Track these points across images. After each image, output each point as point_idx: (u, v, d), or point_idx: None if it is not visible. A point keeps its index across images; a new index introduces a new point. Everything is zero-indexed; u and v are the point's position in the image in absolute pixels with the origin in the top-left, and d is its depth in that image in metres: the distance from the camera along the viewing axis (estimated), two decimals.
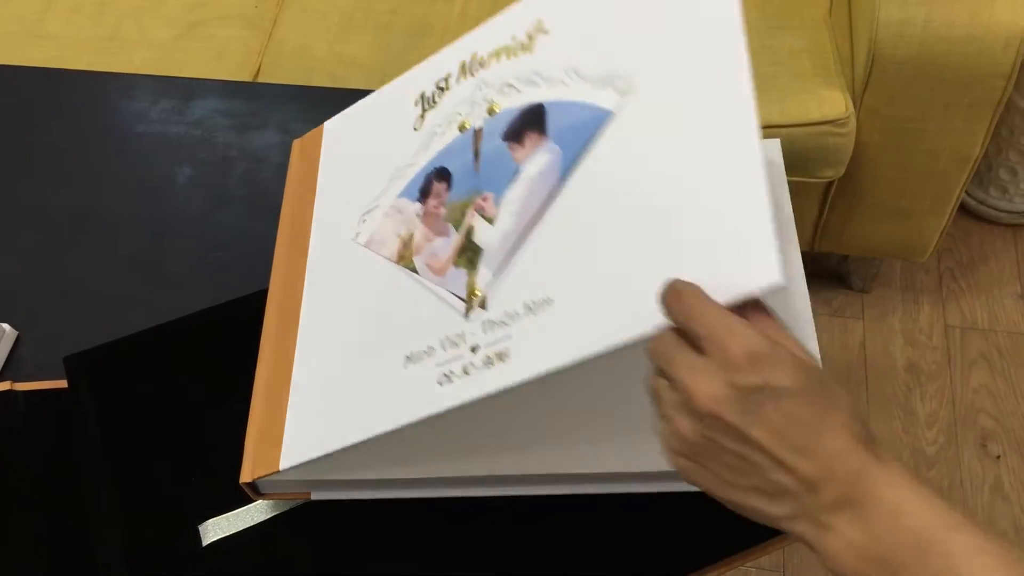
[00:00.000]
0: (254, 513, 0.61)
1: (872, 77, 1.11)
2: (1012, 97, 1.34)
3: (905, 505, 0.38)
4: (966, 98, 1.10)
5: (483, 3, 1.25)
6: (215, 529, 0.60)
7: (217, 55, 1.21)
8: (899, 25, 1.07)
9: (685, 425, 0.41)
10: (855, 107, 1.14)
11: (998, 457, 1.32)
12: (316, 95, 0.94)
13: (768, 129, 1.12)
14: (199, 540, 0.60)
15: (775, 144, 0.70)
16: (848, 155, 1.17)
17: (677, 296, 0.42)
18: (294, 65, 1.20)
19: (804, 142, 1.14)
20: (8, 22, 1.26)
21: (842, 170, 1.19)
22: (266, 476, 0.56)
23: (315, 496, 0.59)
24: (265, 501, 0.60)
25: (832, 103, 1.13)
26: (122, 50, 1.21)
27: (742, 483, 0.41)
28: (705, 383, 0.40)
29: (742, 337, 0.39)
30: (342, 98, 0.89)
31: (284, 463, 0.55)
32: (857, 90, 1.14)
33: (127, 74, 0.90)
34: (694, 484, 0.43)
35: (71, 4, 1.27)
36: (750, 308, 0.42)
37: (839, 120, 1.13)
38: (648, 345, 0.43)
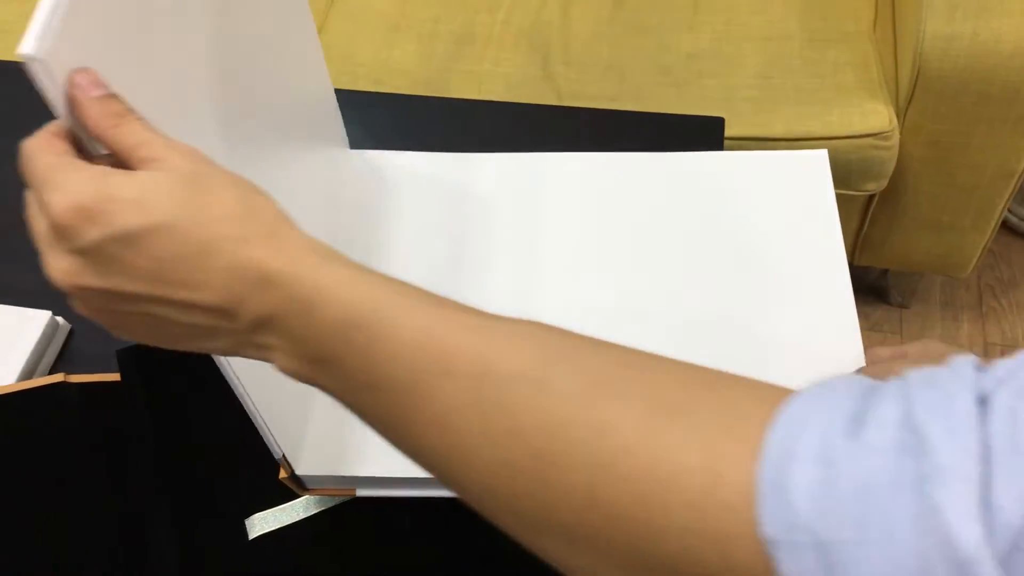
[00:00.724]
0: (300, 508, 0.62)
1: (916, 91, 1.11)
2: None
3: (324, 296, 0.33)
4: (1012, 113, 1.09)
5: (526, 12, 1.26)
6: (261, 523, 0.61)
7: None
8: (945, 40, 1.06)
9: (76, 304, 0.37)
10: (899, 121, 1.14)
11: None
12: (361, 98, 0.95)
13: (812, 141, 1.12)
14: (246, 534, 0.61)
15: (823, 155, 0.71)
16: (891, 168, 1.16)
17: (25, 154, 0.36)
18: (340, 70, 1.22)
19: (847, 155, 1.13)
20: None
21: (884, 183, 1.18)
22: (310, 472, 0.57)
23: (360, 493, 0.60)
24: (312, 496, 0.61)
25: (876, 116, 1.13)
26: None
27: (170, 332, 0.36)
28: (53, 259, 0.35)
29: (63, 193, 0.33)
30: (386, 101, 0.91)
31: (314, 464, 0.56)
32: (901, 104, 1.13)
33: None
34: (132, 340, 0.38)
35: None
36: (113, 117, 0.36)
37: (883, 133, 1.12)
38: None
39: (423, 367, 0.32)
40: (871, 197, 1.23)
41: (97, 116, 0.35)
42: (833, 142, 1.12)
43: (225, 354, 0.40)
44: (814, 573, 0.25)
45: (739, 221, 0.68)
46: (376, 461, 0.57)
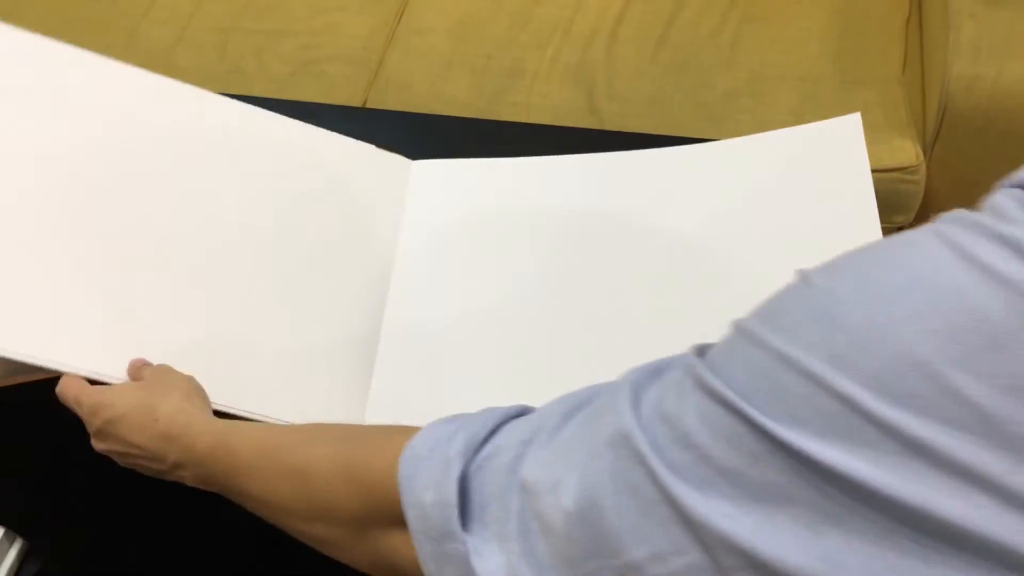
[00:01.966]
0: None
1: (942, 129, 1.17)
2: None
3: (203, 440, 0.56)
4: None
5: (573, 50, 1.34)
6: None
7: (328, 90, 1.32)
8: (970, 80, 1.12)
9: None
10: (925, 157, 1.20)
11: None
12: (418, 120, 1.04)
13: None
14: None
15: (855, 119, 0.75)
16: (918, 202, 1.22)
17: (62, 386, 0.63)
18: (396, 101, 1.30)
19: (877, 187, 1.19)
20: (141, 57, 1.39)
21: (912, 216, 1.24)
22: None
23: None
24: None
25: (904, 152, 1.19)
26: (243, 83, 1.33)
27: (146, 469, 0.60)
28: (92, 436, 0.61)
29: (87, 400, 0.61)
30: (440, 124, 0.99)
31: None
32: (928, 141, 1.19)
33: (255, 96, 1.01)
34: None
35: (198, 40, 1.40)
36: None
37: (910, 168, 1.18)
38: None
39: (233, 463, 0.55)
40: (898, 230, 1.28)
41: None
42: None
43: (173, 480, 0.60)
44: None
45: (776, 201, 0.73)
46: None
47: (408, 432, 0.45)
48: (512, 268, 0.74)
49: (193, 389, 0.63)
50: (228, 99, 0.82)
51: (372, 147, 0.83)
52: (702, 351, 0.37)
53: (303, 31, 1.39)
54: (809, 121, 1.22)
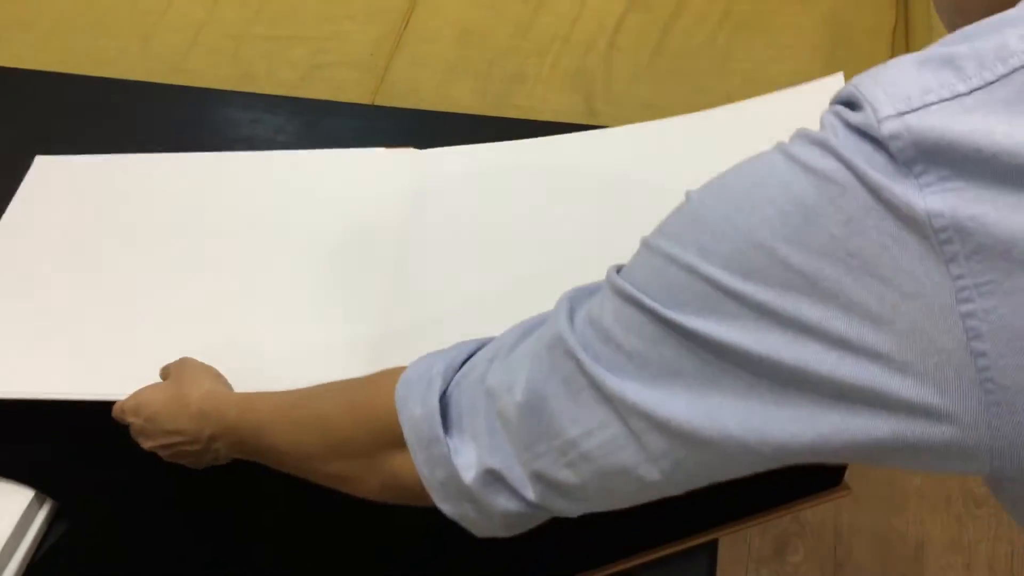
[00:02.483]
0: None
1: None
2: None
3: (231, 410, 0.62)
4: None
5: (572, 57, 1.39)
6: None
7: (336, 94, 1.37)
8: None
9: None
10: None
11: None
12: (424, 116, 1.08)
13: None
14: None
15: (838, 78, 0.78)
16: None
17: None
18: (403, 103, 1.35)
19: None
20: (155, 62, 1.44)
21: None
22: None
23: None
24: None
25: None
26: (254, 87, 1.37)
27: (188, 456, 0.65)
28: (139, 436, 0.67)
29: (127, 405, 0.67)
30: (445, 120, 1.04)
31: None
32: None
33: (266, 95, 1.06)
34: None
35: (210, 46, 1.45)
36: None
37: None
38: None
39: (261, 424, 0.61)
40: None
41: None
42: None
43: (208, 464, 0.66)
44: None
45: None
46: None
47: (402, 369, 0.53)
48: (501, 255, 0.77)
49: (216, 374, 0.68)
50: (246, 153, 0.88)
51: (381, 149, 0.86)
52: (619, 267, 0.45)
53: (312, 37, 1.44)
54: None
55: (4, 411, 0.72)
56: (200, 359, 0.70)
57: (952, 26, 0.45)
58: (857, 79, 0.39)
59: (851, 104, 0.38)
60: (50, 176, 0.88)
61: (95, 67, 1.40)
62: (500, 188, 0.81)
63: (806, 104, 0.76)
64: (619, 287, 0.43)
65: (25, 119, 1.01)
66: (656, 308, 0.41)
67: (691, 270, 0.40)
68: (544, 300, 0.71)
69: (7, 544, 0.68)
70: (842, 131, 0.38)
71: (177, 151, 0.94)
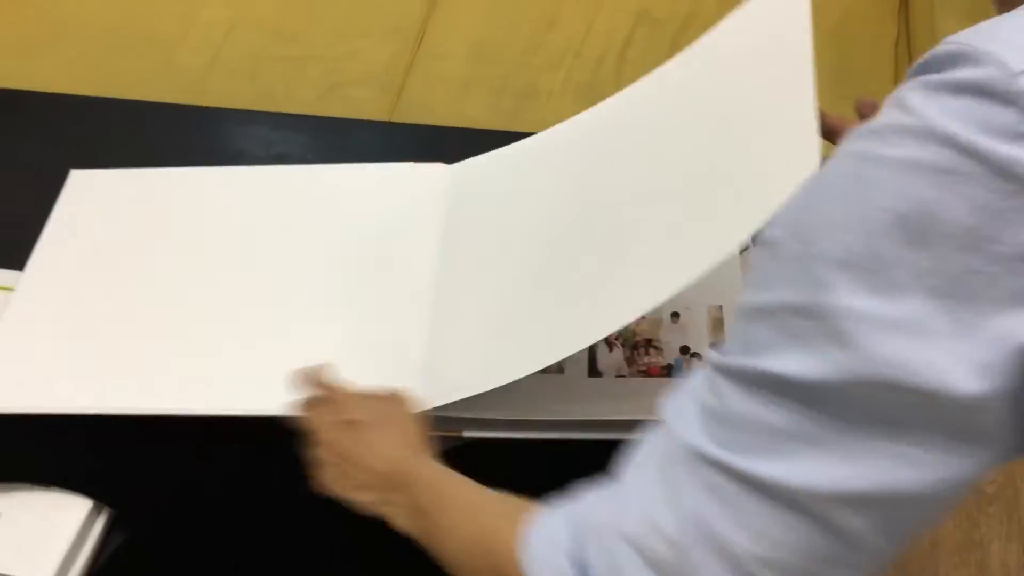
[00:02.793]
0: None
1: None
2: None
3: (424, 475, 0.60)
4: None
5: (584, 71, 1.43)
6: None
7: (353, 112, 1.40)
8: None
9: (316, 452, 0.64)
10: None
11: None
12: (442, 132, 1.11)
13: None
14: None
15: None
16: None
17: (316, 375, 0.68)
18: (419, 120, 1.38)
19: None
20: (176, 82, 1.47)
21: None
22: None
23: (466, 434, 0.73)
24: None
25: None
26: (273, 106, 1.41)
27: (347, 484, 0.62)
28: (321, 424, 0.64)
29: (341, 392, 0.65)
30: (463, 136, 1.07)
31: (434, 401, 0.68)
32: None
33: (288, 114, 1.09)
34: (334, 494, 0.64)
35: (230, 67, 1.48)
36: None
37: None
38: (296, 403, 0.67)
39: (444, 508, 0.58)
40: None
41: None
42: None
43: (368, 505, 0.63)
44: None
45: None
46: (486, 404, 0.71)
47: (523, 517, 0.50)
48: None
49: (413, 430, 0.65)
50: (280, 167, 0.92)
51: (410, 164, 0.89)
52: (715, 347, 0.43)
53: (328, 57, 1.48)
54: None
55: (59, 424, 0.74)
56: (239, 367, 0.73)
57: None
58: (955, 38, 0.35)
59: (952, 63, 0.35)
60: (86, 189, 0.91)
61: (117, 88, 1.43)
62: (533, 194, 0.83)
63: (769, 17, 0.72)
64: (726, 365, 0.40)
65: (54, 141, 1.03)
66: (785, 374, 0.37)
67: (813, 310, 0.37)
68: (588, 301, 0.73)
69: (68, 553, 0.70)
70: (945, 98, 0.34)
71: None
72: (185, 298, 0.81)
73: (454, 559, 0.55)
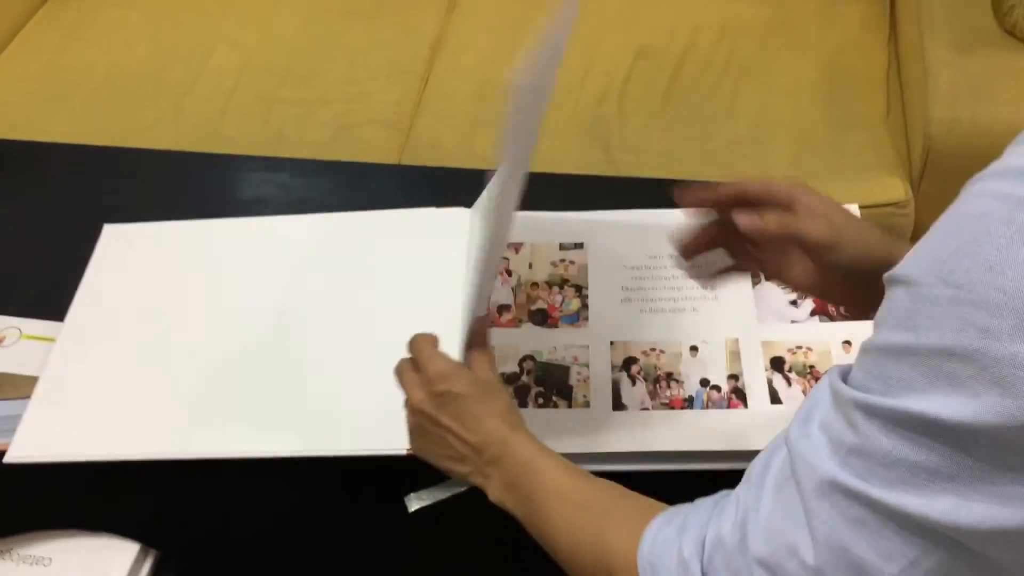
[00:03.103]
0: (452, 487, 0.77)
1: (927, 167, 1.30)
2: None
3: (523, 452, 0.63)
4: None
5: (587, 108, 1.46)
6: (418, 499, 0.77)
7: (364, 152, 1.44)
8: (949, 122, 1.26)
9: (409, 418, 0.67)
10: (914, 192, 1.32)
11: None
12: (453, 174, 1.14)
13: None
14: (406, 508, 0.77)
15: (853, 210, 0.87)
16: (910, 233, 1.34)
17: (413, 340, 0.69)
18: (429, 159, 1.42)
19: (872, 221, 1.31)
20: (190, 129, 1.51)
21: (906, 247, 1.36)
22: None
23: None
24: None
25: (894, 189, 1.31)
26: (286, 149, 1.45)
27: (440, 453, 0.66)
28: (415, 391, 0.66)
29: (436, 362, 0.66)
30: (472, 177, 1.09)
31: None
32: (915, 178, 1.32)
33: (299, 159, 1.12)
34: (421, 457, 0.68)
35: (242, 112, 1.52)
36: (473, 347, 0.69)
37: (900, 203, 1.31)
38: (394, 368, 0.69)
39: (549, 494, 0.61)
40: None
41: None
42: (859, 211, 1.30)
43: (461, 475, 0.66)
44: None
45: None
46: None
47: (634, 527, 0.53)
48: None
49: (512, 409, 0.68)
50: (307, 216, 0.95)
51: (433, 209, 0.93)
52: (844, 376, 0.43)
53: (338, 99, 1.52)
54: (808, 163, 1.35)
55: (106, 471, 0.77)
56: (276, 410, 0.77)
57: None
58: None
59: None
60: (119, 242, 0.94)
61: (131, 137, 1.47)
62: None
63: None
64: (873, 405, 0.41)
65: (81, 192, 1.06)
66: (938, 416, 0.38)
67: (971, 355, 0.37)
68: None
69: None
70: None
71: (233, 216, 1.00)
72: (219, 345, 0.84)
73: (560, 550, 0.59)
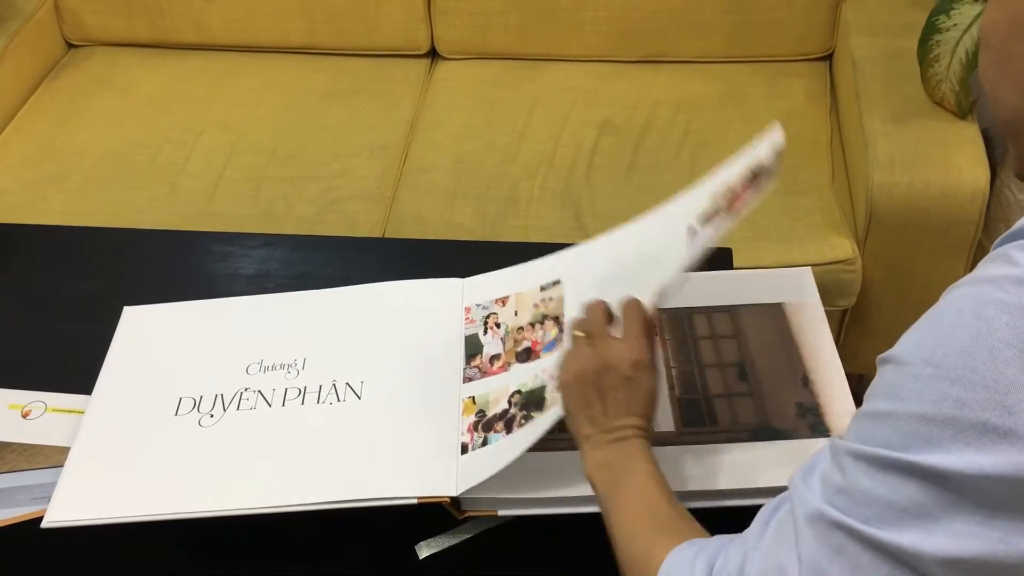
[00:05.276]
0: (460, 533, 0.85)
1: (871, 227, 1.42)
2: (981, 239, 1.61)
3: (635, 451, 0.71)
4: (945, 241, 1.40)
5: (558, 178, 1.57)
6: (428, 547, 0.85)
7: (351, 225, 1.53)
8: (889, 187, 1.38)
9: (578, 366, 0.74)
10: (860, 250, 1.44)
11: None
12: (434, 246, 1.23)
13: (795, 267, 1.41)
14: (416, 555, 0.84)
15: (807, 272, 0.99)
16: (857, 288, 1.46)
17: (631, 300, 0.76)
18: (412, 230, 1.51)
19: (822, 278, 1.40)
20: (184, 207, 1.58)
21: (853, 300, 1.47)
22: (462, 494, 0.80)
23: (501, 513, 0.84)
24: (469, 524, 0.84)
25: (841, 247, 1.43)
26: (276, 224, 1.53)
27: (580, 408, 0.74)
28: (615, 355, 0.73)
29: (640, 347, 0.73)
30: (455, 248, 1.18)
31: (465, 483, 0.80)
32: (860, 236, 1.44)
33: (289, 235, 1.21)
34: (564, 402, 0.76)
35: (234, 189, 1.60)
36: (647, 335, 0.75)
37: (848, 260, 1.42)
38: (587, 303, 0.78)
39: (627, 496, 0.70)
40: (844, 312, 1.52)
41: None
42: (810, 268, 1.42)
43: (580, 433, 0.75)
44: None
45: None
46: (516, 486, 0.81)
47: (679, 539, 0.63)
48: None
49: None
50: (312, 292, 1.03)
51: (432, 279, 1.02)
52: (842, 437, 0.52)
53: (324, 175, 1.61)
54: (762, 225, 1.46)
55: (121, 532, 0.82)
56: (288, 467, 0.84)
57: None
58: None
59: None
60: (139, 323, 1.01)
61: (127, 217, 1.55)
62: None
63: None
64: (864, 453, 0.49)
65: (90, 273, 1.11)
66: (916, 461, 0.46)
67: (948, 420, 0.45)
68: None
69: None
70: None
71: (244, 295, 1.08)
72: (243, 411, 0.91)
73: (618, 536, 0.68)
